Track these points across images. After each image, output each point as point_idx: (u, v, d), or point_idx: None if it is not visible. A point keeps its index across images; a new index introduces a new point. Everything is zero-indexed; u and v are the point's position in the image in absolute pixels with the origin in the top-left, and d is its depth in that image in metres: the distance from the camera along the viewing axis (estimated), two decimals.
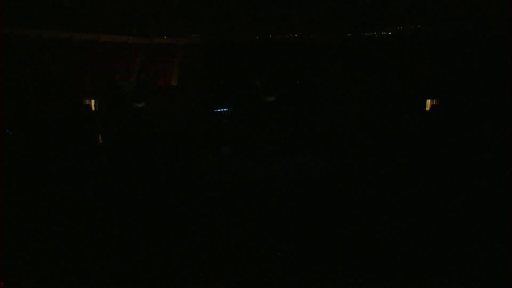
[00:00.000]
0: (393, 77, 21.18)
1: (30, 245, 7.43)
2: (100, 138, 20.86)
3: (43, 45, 26.64)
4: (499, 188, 10.22)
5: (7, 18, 22.29)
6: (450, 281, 6.36)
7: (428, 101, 21.54)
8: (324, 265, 6.75)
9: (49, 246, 7.42)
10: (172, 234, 8.06)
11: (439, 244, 7.50)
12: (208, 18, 31.53)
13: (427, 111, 21.38)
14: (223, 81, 27.49)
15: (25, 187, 10.83)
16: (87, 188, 11.61)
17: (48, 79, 24.19)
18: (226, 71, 27.90)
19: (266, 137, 20.74)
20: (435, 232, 8.13)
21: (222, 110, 24.74)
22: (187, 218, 9.02)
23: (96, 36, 29.25)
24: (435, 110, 21.34)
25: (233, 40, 31.00)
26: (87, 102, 22.30)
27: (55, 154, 16.08)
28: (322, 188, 11.55)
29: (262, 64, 28.24)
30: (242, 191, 11.06)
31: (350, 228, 8.36)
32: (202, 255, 7.19)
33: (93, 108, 22.08)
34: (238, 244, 7.56)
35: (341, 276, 6.50)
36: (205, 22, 31.79)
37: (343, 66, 26.87)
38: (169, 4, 30.92)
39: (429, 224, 8.55)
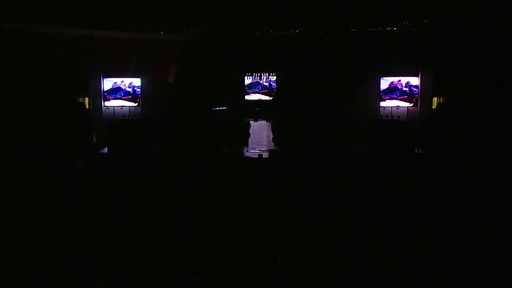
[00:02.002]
0: (398, 73, 21.14)
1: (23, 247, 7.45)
2: (94, 137, 20.86)
3: (35, 40, 26.63)
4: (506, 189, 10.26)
5: None
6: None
7: (435, 99, 21.49)
8: (326, 271, 6.75)
9: (43, 248, 7.44)
10: (168, 237, 8.05)
11: (445, 247, 7.53)
12: (206, 13, 31.53)
13: (433, 109, 21.35)
14: (222, 78, 27.51)
15: (15, 187, 10.81)
16: (79, 188, 11.61)
17: (40, 76, 24.16)
18: (225, 68, 27.92)
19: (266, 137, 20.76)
20: (442, 234, 8.15)
21: (220, 108, 24.76)
22: (184, 220, 9.02)
23: (90, 31, 29.22)
24: (442, 108, 21.31)
25: (232, 36, 30.99)
26: (80, 100, 22.28)
27: (47, 154, 16.07)
28: (326, 189, 11.54)
29: (263, 60, 28.25)
30: (241, 193, 11.06)
31: (354, 231, 8.37)
32: (199, 257, 7.20)
33: (86, 106, 22.04)
34: (236, 247, 7.56)
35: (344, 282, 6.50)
36: (203, 18, 31.80)
37: (346, 63, 26.91)
38: None
39: (437, 226, 8.57)
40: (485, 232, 8.05)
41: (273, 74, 27.11)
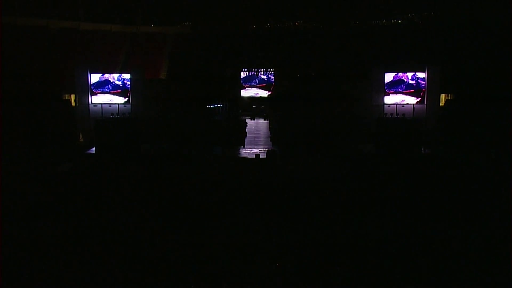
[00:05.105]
0: (402, 69, 21.16)
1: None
2: (81, 136, 20.81)
3: (17, 33, 26.51)
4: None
5: None
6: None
7: (443, 96, 21.53)
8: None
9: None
10: (162, 239, 8.09)
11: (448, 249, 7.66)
12: (200, 5, 31.49)
13: (441, 106, 21.41)
14: (216, 74, 27.47)
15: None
16: (65, 190, 11.61)
17: (22, 71, 24.04)
18: (220, 64, 27.90)
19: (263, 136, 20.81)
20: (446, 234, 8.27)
21: (215, 106, 24.73)
22: (178, 222, 9.05)
23: (76, 23, 29.13)
24: (451, 105, 21.35)
25: (227, 29, 30.98)
26: (66, 97, 22.20)
27: (31, 154, 16.04)
28: (327, 191, 11.60)
29: (260, 55, 28.26)
30: (238, 194, 11.11)
31: (356, 232, 8.44)
32: (197, 259, 7.25)
33: (73, 104, 21.98)
34: (234, 250, 7.61)
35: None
36: (197, 10, 31.74)
37: (348, 57, 26.95)
38: None
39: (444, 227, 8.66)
40: (489, 232, 8.18)
41: (271, 70, 27.10)
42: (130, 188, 11.73)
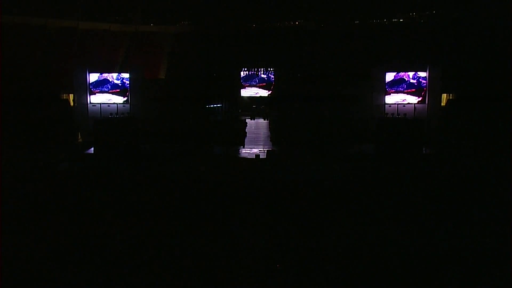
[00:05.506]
0: (404, 68, 21.15)
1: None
2: (79, 136, 20.79)
3: (14, 32, 26.50)
4: None
5: None
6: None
7: (444, 95, 21.52)
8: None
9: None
10: (160, 241, 8.08)
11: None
12: (200, 4, 31.49)
13: (443, 106, 21.41)
14: (216, 74, 27.51)
15: None
16: (63, 191, 11.59)
17: (20, 71, 24.04)
18: (220, 63, 27.91)
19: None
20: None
21: (215, 106, 24.76)
22: (179, 222, 9.04)
23: (74, 23, 29.13)
24: (452, 105, 21.35)
25: (227, 28, 30.98)
26: (64, 96, 22.19)
27: (28, 155, 16.01)
28: (325, 190, 11.58)
29: (260, 55, 28.25)
30: (238, 194, 11.09)
31: (356, 233, 8.42)
32: (196, 260, 7.25)
33: (71, 103, 21.97)
34: (234, 251, 7.60)
35: None
36: (196, 9, 31.75)
37: (349, 57, 26.96)
38: None
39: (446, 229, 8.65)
40: (491, 234, 8.16)
41: (271, 69, 27.10)
42: (129, 188, 11.71)
